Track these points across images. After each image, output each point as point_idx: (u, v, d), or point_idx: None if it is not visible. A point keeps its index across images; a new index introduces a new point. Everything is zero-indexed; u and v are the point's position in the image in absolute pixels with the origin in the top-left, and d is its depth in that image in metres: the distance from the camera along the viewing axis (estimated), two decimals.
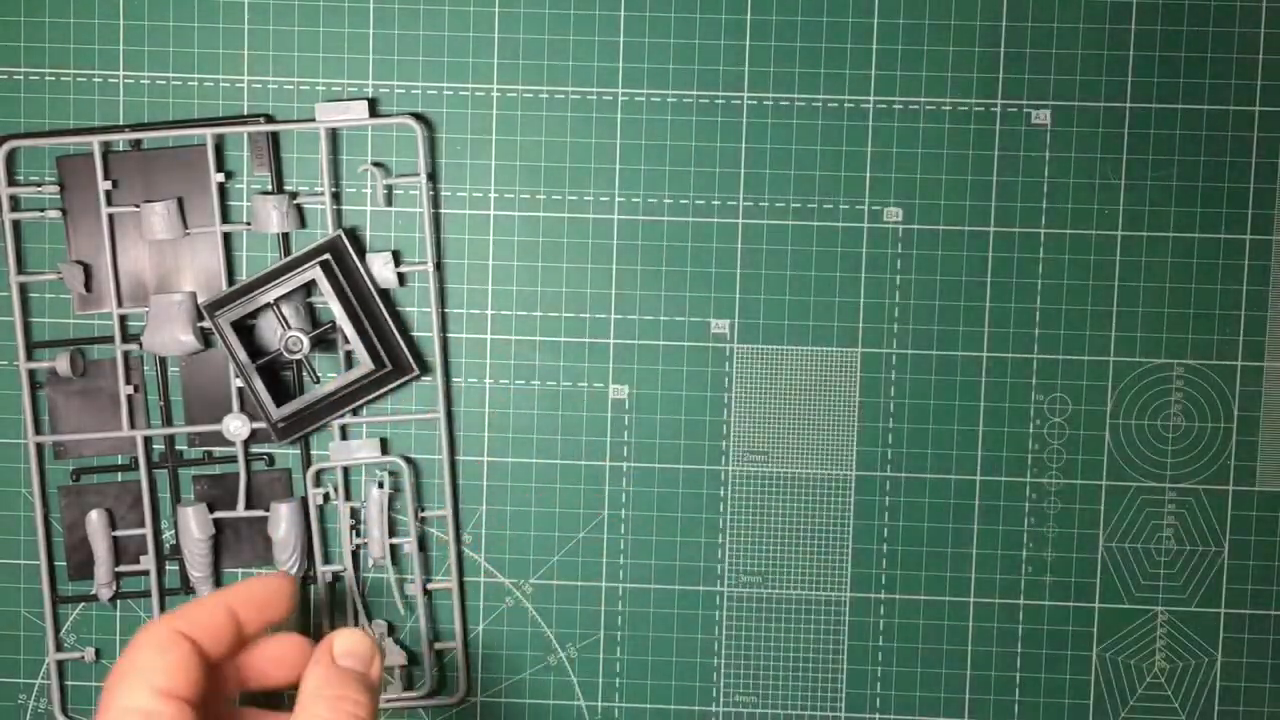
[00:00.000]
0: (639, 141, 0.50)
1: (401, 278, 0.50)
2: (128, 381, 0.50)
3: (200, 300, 0.49)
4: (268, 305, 0.48)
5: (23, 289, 0.50)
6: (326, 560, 0.50)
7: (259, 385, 0.48)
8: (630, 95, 0.50)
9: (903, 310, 0.50)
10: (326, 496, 0.50)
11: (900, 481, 0.51)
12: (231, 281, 0.50)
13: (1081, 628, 0.51)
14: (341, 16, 0.50)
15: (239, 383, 0.50)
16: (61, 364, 0.49)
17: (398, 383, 0.49)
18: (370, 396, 0.49)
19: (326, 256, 0.48)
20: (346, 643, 0.42)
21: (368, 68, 0.50)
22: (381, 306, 0.49)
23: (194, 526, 0.50)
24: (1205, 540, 0.51)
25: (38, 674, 0.52)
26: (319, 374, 0.50)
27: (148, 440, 0.50)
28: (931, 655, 0.51)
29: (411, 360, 0.49)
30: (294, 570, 0.50)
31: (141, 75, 0.50)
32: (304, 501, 0.50)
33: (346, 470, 0.50)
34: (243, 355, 0.48)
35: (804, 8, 0.49)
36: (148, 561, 0.50)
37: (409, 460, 0.50)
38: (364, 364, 0.48)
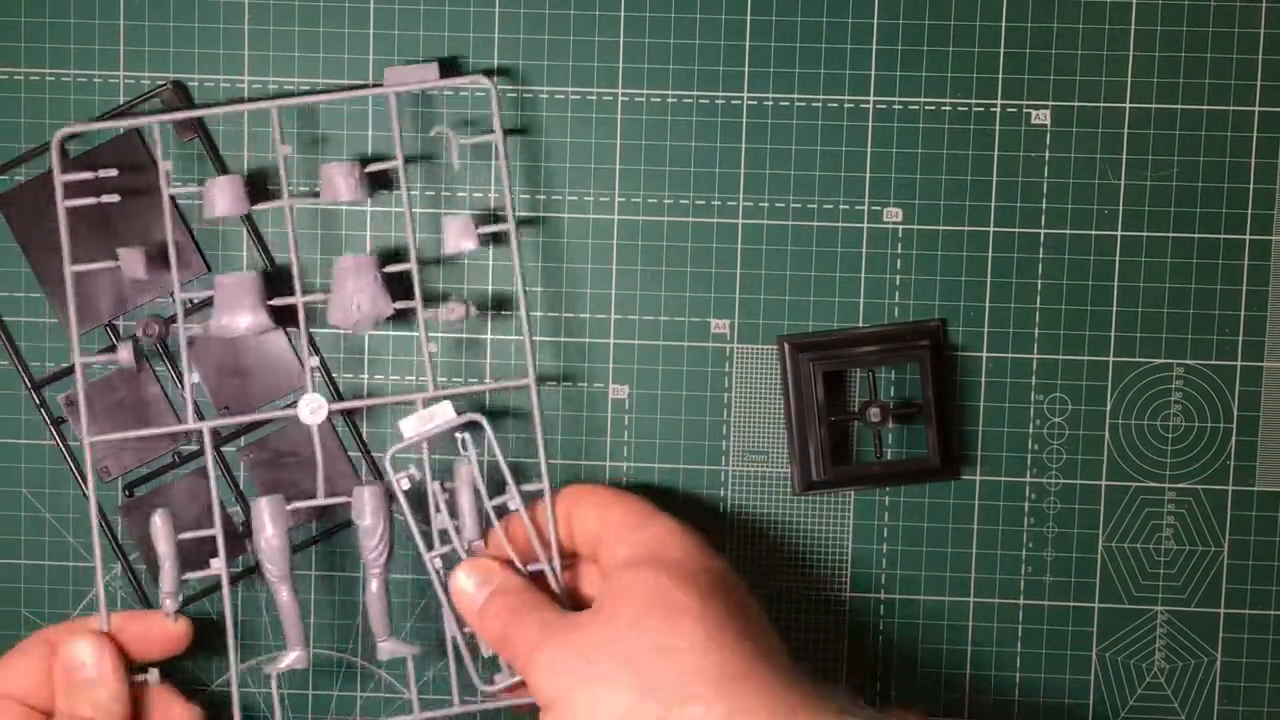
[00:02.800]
0: (639, 141, 0.50)
1: (483, 239, 0.47)
2: (174, 369, 0.49)
3: (781, 336, 0.49)
4: (857, 369, 0.50)
5: (76, 279, 0.47)
6: (431, 545, 0.46)
7: (824, 434, 0.49)
8: (630, 95, 0.50)
9: (902, 310, 0.50)
10: (411, 478, 0.46)
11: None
12: (299, 258, 0.47)
13: (1081, 628, 0.51)
14: (342, 17, 0.50)
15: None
16: (124, 353, 0.47)
17: (933, 481, 0.50)
18: (900, 485, 0.50)
19: (928, 342, 0.49)
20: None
21: (368, 68, 0.50)
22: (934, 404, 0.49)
23: (269, 520, 0.46)
24: (1205, 540, 0.51)
25: None
26: (884, 449, 0.50)
27: (215, 432, 0.48)
28: (931, 655, 0.51)
29: (956, 463, 0.50)
30: (381, 559, 0.46)
31: (142, 75, 0.50)
32: (383, 487, 0.47)
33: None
34: (821, 401, 0.49)
35: (804, 8, 0.49)
36: (217, 565, 0.46)
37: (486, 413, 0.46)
38: (930, 455, 0.49)
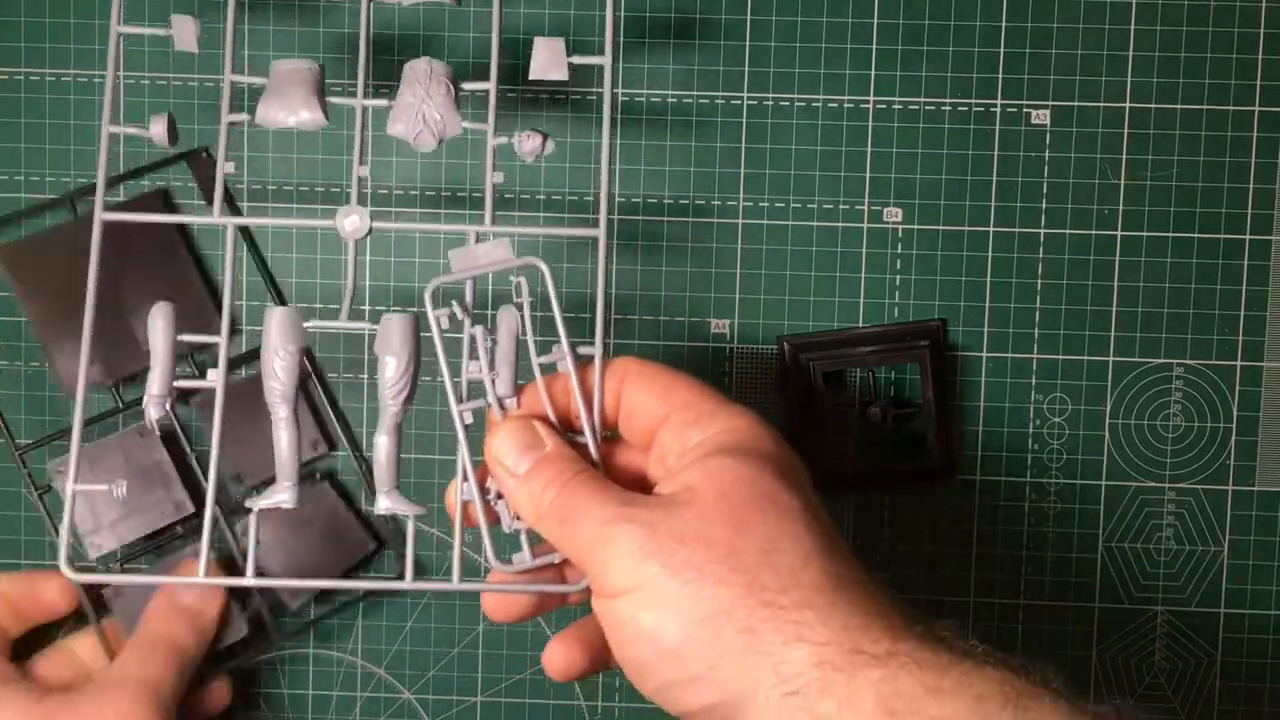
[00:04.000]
0: (640, 142, 0.50)
1: (573, 69, 0.42)
2: (226, 159, 0.42)
3: (782, 336, 0.50)
4: (857, 369, 0.50)
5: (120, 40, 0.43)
6: (460, 398, 0.41)
7: (823, 436, 0.49)
8: (631, 95, 0.50)
9: (902, 310, 0.50)
10: (451, 318, 0.40)
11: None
12: (370, 55, 0.43)
13: (1081, 628, 0.51)
14: (342, 17, 0.50)
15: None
16: (157, 128, 0.41)
17: (933, 482, 0.50)
18: (900, 485, 0.50)
19: (928, 342, 0.49)
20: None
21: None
22: (935, 407, 0.49)
23: (276, 330, 0.40)
24: (1205, 540, 0.51)
25: None
26: (884, 449, 0.50)
27: (240, 231, 0.45)
28: None
29: (956, 463, 0.50)
30: (401, 397, 0.40)
31: (142, 75, 0.50)
32: (417, 319, 0.41)
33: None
34: (821, 401, 0.49)
35: (804, 8, 0.49)
36: (215, 377, 0.41)
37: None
38: (930, 455, 0.49)
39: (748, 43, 0.50)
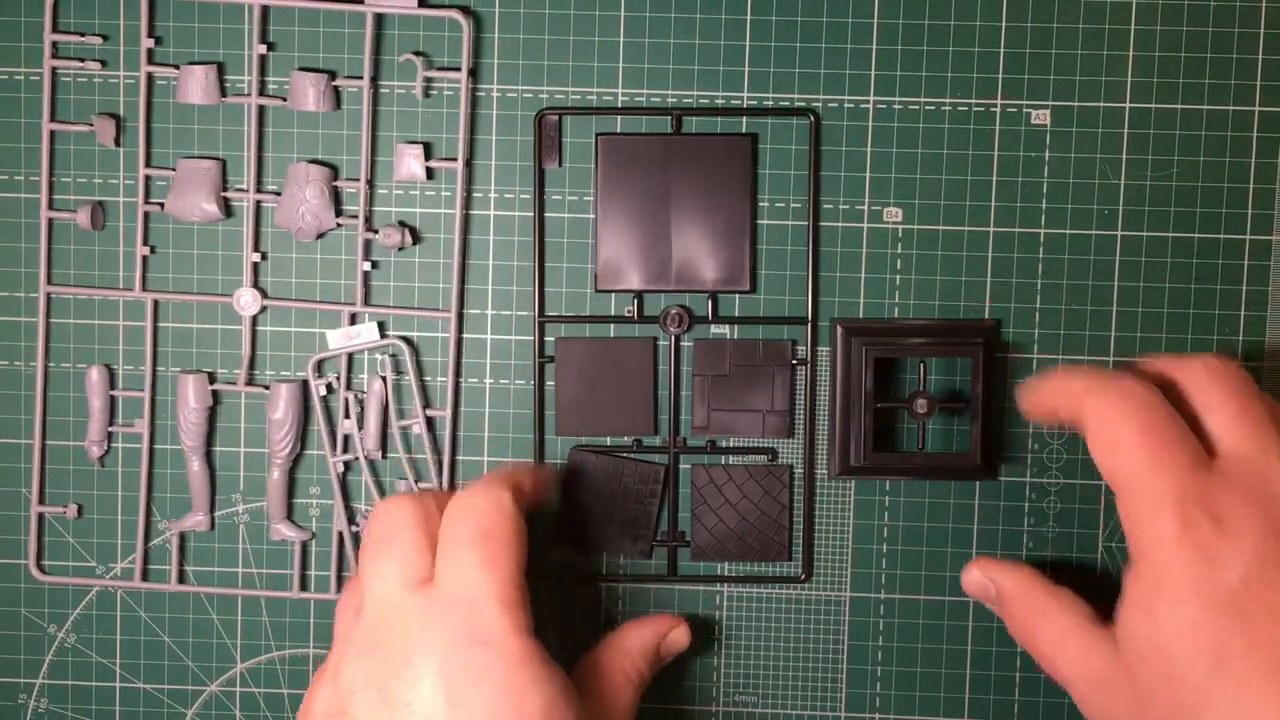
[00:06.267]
0: None
1: (430, 171, 0.49)
2: (145, 242, 0.50)
3: (836, 317, 0.49)
4: (907, 358, 0.50)
5: (52, 136, 0.50)
6: (335, 449, 0.50)
7: (867, 422, 0.49)
8: (631, 96, 0.50)
9: (902, 310, 0.50)
10: (329, 387, 0.50)
11: (900, 481, 0.51)
12: (260, 157, 0.50)
13: None
14: (341, 19, 0.50)
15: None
16: (82, 216, 0.49)
17: (971, 479, 0.50)
18: (938, 479, 0.50)
19: (982, 340, 0.49)
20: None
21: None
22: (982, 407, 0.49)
23: (191, 395, 0.50)
24: None
25: (38, 674, 0.52)
26: (925, 442, 0.50)
27: (156, 304, 0.50)
28: (931, 655, 0.51)
29: (997, 463, 0.50)
30: (285, 450, 0.50)
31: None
32: (305, 385, 0.50)
33: (350, 358, 0.50)
34: (869, 387, 0.48)
35: (804, 8, 0.49)
36: (142, 425, 0.51)
37: (409, 342, 0.50)
38: (972, 452, 0.49)
39: (748, 43, 0.50)
